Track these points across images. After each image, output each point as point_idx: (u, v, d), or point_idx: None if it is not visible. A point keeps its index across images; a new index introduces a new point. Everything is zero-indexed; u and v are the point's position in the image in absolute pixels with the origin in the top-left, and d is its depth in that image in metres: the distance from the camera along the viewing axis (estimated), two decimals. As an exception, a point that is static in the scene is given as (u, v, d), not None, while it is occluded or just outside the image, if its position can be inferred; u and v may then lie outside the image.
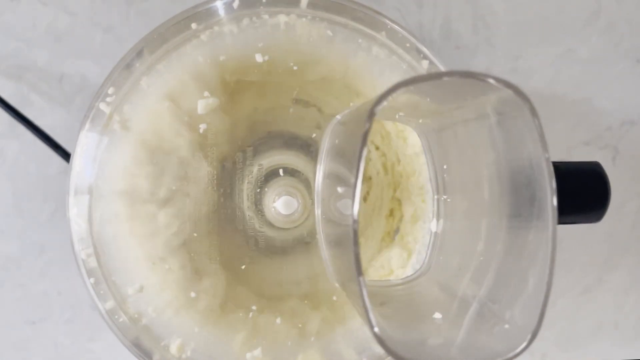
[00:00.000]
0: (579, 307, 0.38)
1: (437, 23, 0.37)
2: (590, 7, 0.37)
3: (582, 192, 0.27)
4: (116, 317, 0.27)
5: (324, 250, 0.26)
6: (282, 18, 0.27)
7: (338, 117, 0.26)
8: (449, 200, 0.26)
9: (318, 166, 0.25)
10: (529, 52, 0.37)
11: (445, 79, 0.18)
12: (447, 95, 0.22)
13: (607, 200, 0.27)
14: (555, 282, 0.40)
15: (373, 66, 0.28)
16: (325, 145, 0.26)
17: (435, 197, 0.27)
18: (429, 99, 0.23)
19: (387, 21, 0.27)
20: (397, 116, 0.27)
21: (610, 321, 0.39)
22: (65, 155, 0.34)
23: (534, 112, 0.18)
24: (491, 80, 0.18)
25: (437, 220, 0.27)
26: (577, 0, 0.37)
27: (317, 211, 0.25)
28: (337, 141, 0.24)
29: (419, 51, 0.27)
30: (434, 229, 0.27)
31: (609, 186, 0.27)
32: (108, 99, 0.27)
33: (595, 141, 0.38)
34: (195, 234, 0.30)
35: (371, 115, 0.17)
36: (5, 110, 0.34)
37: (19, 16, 0.36)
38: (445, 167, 0.26)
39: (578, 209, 0.27)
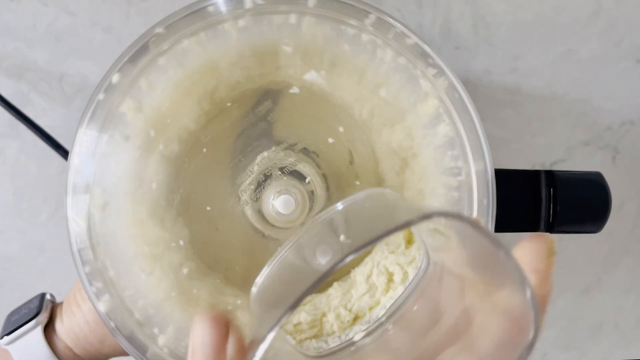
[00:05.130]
0: (579, 307, 0.38)
1: (437, 23, 0.37)
2: (590, 7, 0.37)
3: (582, 202, 0.27)
4: (113, 313, 0.27)
5: (274, 262, 0.23)
6: (292, 17, 0.27)
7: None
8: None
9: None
10: (528, 52, 0.37)
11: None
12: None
13: (607, 212, 0.27)
14: (555, 282, 0.40)
15: (378, 68, 0.28)
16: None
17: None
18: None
19: (397, 23, 0.27)
20: None
21: (610, 321, 0.38)
22: (66, 155, 0.34)
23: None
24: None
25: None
26: (577, 0, 0.37)
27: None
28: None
29: (424, 55, 0.27)
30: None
31: (610, 198, 0.27)
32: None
33: (595, 141, 0.38)
34: (195, 233, 0.30)
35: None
36: (6, 109, 0.34)
37: (19, 16, 0.36)
38: None
39: (578, 220, 0.27)
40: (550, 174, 0.27)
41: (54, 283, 0.37)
